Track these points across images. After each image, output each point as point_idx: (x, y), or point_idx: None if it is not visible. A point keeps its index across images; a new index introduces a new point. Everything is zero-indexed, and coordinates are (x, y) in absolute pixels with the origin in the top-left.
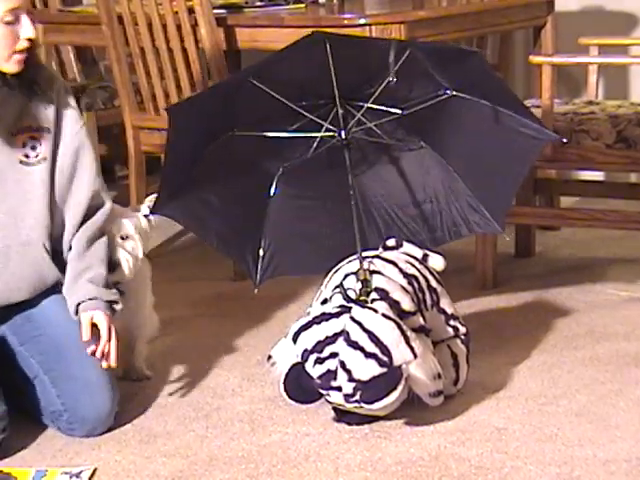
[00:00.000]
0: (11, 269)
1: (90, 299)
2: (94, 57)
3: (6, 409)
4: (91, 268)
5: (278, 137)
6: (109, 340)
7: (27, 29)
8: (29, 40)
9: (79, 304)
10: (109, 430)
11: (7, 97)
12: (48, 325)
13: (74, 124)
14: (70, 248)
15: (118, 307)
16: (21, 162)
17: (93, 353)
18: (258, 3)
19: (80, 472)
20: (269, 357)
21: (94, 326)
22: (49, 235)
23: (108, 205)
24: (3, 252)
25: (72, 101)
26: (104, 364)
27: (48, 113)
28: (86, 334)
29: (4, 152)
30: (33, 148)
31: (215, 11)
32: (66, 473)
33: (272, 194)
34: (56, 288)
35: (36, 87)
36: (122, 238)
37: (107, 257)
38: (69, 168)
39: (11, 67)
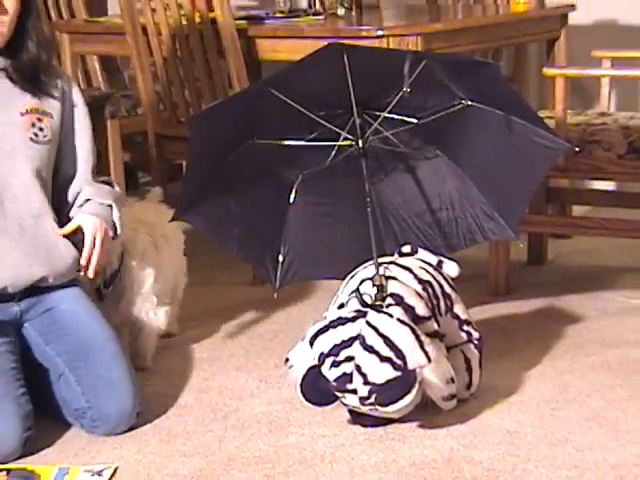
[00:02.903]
0: (27, 240)
1: (86, 200)
2: (118, 66)
3: (31, 408)
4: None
5: (297, 146)
6: (92, 247)
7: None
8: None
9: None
10: (130, 429)
11: (9, 83)
12: (73, 325)
13: (79, 115)
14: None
15: (116, 217)
16: (31, 139)
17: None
18: (278, 15)
19: (101, 470)
20: (286, 360)
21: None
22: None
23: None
24: (18, 223)
25: (77, 96)
26: (81, 274)
27: (53, 104)
28: (61, 231)
29: (15, 129)
30: (40, 129)
31: (236, 22)
32: (88, 471)
33: (291, 201)
34: (77, 281)
35: (39, 82)
36: None
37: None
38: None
39: None
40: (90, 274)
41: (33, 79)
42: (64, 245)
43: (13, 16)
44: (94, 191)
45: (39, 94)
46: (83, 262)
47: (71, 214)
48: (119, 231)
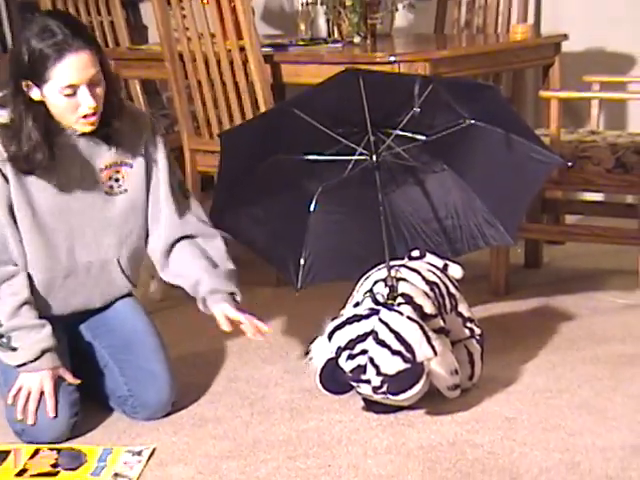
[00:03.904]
0: (91, 281)
1: (214, 291)
2: (157, 89)
3: (78, 396)
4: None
5: (317, 160)
6: (249, 322)
7: (85, 100)
8: (94, 108)
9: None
10: (167, 415)
11: (91, 141)
12: (118, 322)
13: (159, 163)
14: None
15: (238, 298)
16: (106, 193)
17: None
18: (301, 42)
19: (141, 451)
20: (307, 353)
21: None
22: (123, 252)
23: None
24: (86, 267)
25: (160, 144)
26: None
27: (133, 153)
28: (225, 325)
29: (93, 185)
30: (116, 180)
31: (263, 49)
32: (129, 451)
33: (312, 210)
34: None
35: (117, 138)
36: None
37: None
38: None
39: (82, 128)
40: (265, 329)
41: (113, 136)
42: (122, 280)
43: (102, 100)
44: (216, 282)
45: (118, 145)
46: (253, 333)
47: (205, 305)
48: (239, 299)
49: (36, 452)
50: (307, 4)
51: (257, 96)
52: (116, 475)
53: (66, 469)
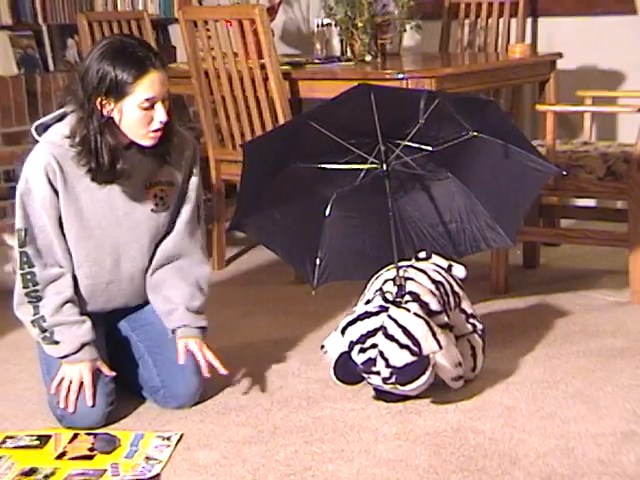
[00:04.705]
0: (133, 288)
1: (184, 326)
2: (184, 103)
3: (114, 387)
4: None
5: (332, 168)
6: (204, 357)
7: (160, 115)
8: (165, 123)
9: (174, 330)
10: (194, 404)
11: (143, 159)
12: (154, 318)
13: (193, 184)
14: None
15: (205, 332)
16: (152, 210)
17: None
18: (316, 61)
19: (170, 436)
20: (322, 346)
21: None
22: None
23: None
24: (131, 276)
25: (196, 167)
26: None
27: (176, 173)
28: (182, 358)
29: (141, 203)
30: (161, 198)
31: (282, 67)
32: (159, 437)
33: (327, 214)
34: None
35: (167, 157)
36: None
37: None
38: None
39: (146, 142)
40: (222, 371)
41: (164, 153)
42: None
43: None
44: (188, 318)
45: (165, 164)
46: (205, 371)
47: (173, 334)
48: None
49: (75, 437)
50: (322, 26)
51: (276, 110)
52: (147, 458)
53: (102, 452)
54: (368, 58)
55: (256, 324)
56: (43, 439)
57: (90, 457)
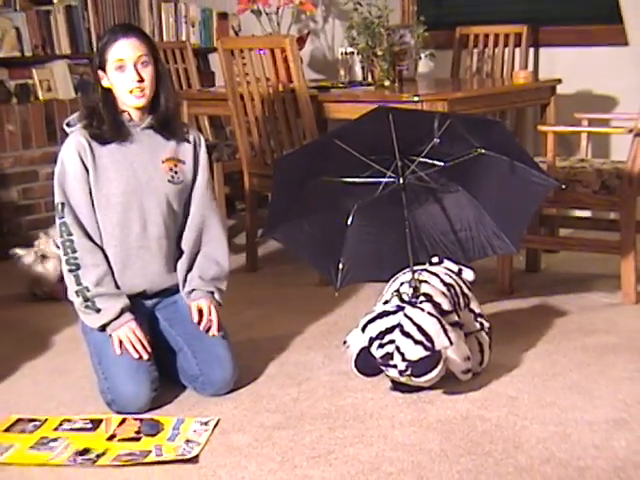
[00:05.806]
0: (162, 256)
1: (195, 290)
2: (222, 123)
3: (157, 375)
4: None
5: (354, 182)
6: (209, 316)
7: (129, 76)
8: (138, 82)
9: (190, 292)
10: (229, 392)
11: (153, 134)
12: (190, 313)
13: (202, 161)
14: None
15: (217, 296)
16: (169, 181)
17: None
18: (340, 85)
19: (208, 421)
20: (344, 342)
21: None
22: (176, 232)
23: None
24: (157, 243)
25: (202, 150)
26: (210, 333)
27: (186, 152)
28: (195, 317)
29: (158, 173)
30: (175, 172)
31: (309, 91)
32: (198, 421)
33: (349, 223)
34: None
35: (171, 130)
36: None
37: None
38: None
39: (133, 102)
40: (215, 332)
41: (168, 128)
42: (180, 265)
43: (151, 82)
44: (200, 284)
45: (176, 144)
46: (203, 328)
47: (189, 300)
48: (222, 303)
49: (123, 421)
50: (346, 54)
51: (304, 129)
52: (187, 441)
53: (147, 435)
54: (387, 83)
55: (284, 321)
56: (95, 423)
57: (137, 439)
